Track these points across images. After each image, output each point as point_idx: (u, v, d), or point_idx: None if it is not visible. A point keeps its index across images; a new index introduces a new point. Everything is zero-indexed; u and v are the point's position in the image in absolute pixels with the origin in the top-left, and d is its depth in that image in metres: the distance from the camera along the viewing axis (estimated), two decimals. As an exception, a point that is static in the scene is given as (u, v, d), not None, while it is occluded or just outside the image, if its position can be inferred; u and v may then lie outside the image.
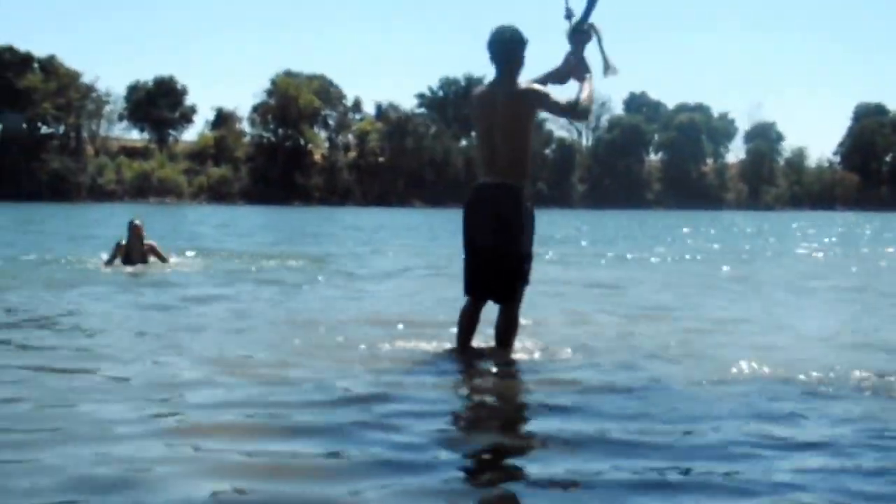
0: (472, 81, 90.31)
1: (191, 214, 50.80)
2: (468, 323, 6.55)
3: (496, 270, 6.39)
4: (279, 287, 11.23)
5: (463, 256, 6.61)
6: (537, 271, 6.80)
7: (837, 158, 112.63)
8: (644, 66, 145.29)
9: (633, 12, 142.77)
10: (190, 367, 5.98)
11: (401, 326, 7.67)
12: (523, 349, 6.59)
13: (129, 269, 12.99)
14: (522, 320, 6.70)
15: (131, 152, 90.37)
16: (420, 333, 7.22)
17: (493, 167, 6.32)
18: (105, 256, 13.59)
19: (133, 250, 13.28)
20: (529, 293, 6.66)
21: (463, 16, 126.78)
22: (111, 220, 30.54)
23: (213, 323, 7.96)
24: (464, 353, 6.48)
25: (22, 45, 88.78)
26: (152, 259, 13.48)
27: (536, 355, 6.52)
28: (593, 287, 11.89)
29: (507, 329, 6.50)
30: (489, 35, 6.37)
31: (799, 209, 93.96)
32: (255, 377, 5.69)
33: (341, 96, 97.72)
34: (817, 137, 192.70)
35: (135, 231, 13.33)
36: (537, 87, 6.37)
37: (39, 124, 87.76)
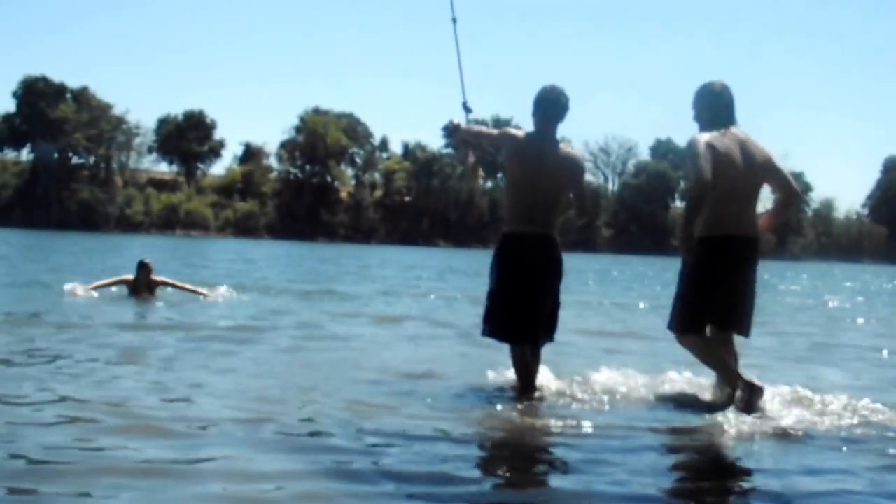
0: (499, 123, 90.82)
1: (217, 248, 51.12)
2: (528, 366, 6.75)
3: (545, 317, 6.71)
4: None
5: (492, 303, 6.74)
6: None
7: (866, 211, 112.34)
8: (670, 113, 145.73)
9: (659, 58, 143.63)
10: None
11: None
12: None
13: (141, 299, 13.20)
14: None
15: (160, 184, 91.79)
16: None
17: (537, 217, 6.60)
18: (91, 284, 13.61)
19: (140, 285, 13.35)
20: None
21: (489, 60, 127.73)
22: (129, 252, 30.98)
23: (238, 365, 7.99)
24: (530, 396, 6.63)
25: (56, 76, 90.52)
26: (169, 290, 13.66)
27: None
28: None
29: (537, 369, 6.82)
30: (547, 92, 6.73)
31: (826, 260, 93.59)
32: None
33: (369, 135, 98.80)
34: (846, 189, 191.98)
35: (144, 270, 13.45)
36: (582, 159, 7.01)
37: (71, 154, 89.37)
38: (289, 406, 5.91)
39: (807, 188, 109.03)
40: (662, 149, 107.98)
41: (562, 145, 6.76)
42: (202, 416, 5.45)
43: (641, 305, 17.43)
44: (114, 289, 13.56)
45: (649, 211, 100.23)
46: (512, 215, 6.72)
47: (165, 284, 13.62)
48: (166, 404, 5.82)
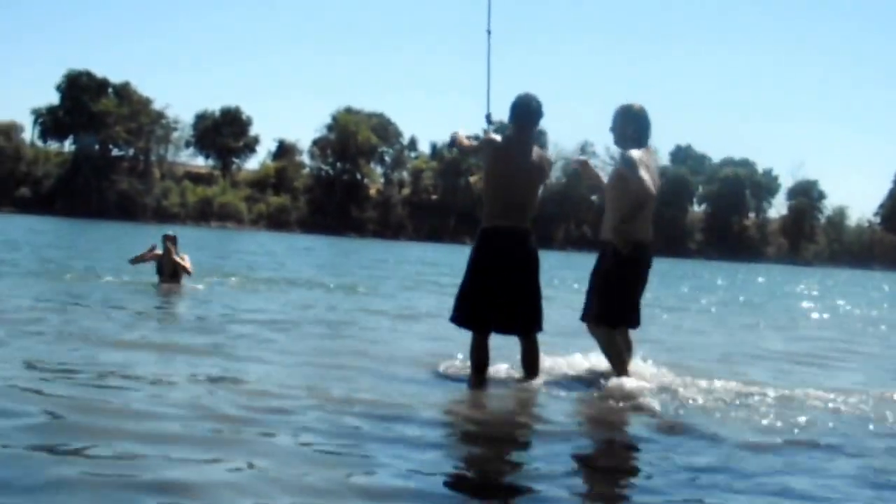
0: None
1: (251, 240, 52.53)
2: (486, 356, 7.14)
3: (530, 306, 7.14)
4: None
5: (464, 293, 7.13)
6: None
7: (878, 219, 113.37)
8: (690, 120, 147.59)
9: (681, 67, 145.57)
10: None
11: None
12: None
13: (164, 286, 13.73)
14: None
15: (195, 178, 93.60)
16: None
17: (513, 213, 7.06)
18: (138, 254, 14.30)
19: (166, 262, 13.90)
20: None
21: (514, 67, 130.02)
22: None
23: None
24: (481, 385, 6.96)
25: (99, 72, 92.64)
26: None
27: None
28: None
29: (537, 356, 7.23)
30: (521, 99, 7.16)
31: (837, 266, 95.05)
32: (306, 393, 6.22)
33: (398, 134, 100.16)
34: (858, 198, 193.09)
35: (167, 244, 13.86)
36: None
37: (111, 146, 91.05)
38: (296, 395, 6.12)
39: (820, 196, 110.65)
40: (682, 155, 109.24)
41: (535, 147, 7.19)
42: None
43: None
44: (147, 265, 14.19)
45: (668, 215, 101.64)
46: (490, 212, 7.09)
47: (182, 266, 13.98)
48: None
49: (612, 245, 7.12)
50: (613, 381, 7.03)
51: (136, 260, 14.18)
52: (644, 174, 6.93)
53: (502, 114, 7.41)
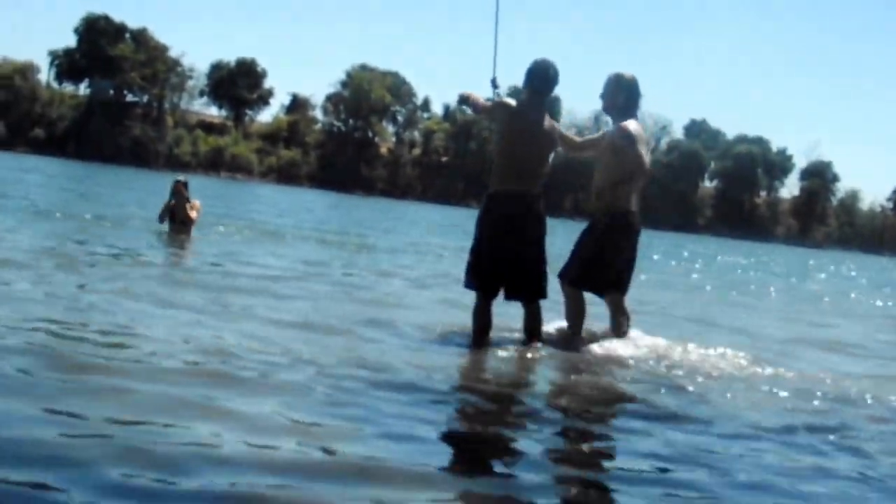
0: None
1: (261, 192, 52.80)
2: (489, 321, 7.12)
3: (535, 272, 7.09)
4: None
5: (473, 257, 7.11)
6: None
7: (890, 204, 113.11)
8: (707, 94, 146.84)
9: (699, 41, 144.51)
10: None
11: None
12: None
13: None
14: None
15: (208, 127, 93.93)
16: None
17: (530, 178, 7.05)
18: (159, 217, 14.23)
19: (178, 208, 13.94)
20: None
21: (530, 34, 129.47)
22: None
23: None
24: (483, 348, 6.92)
25: (117, 16, 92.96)
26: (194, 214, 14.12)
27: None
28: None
29: (540, 322, 7.21)
30: (538, 65, 7.11)
31: (847, 250, 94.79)
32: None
33: (412, 94, 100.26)
34: (872, 182, 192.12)
35: (178, 189, 13.92)
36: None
37: (126, 92, 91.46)
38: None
39: (834, 178, 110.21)
40: (696, 129, 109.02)
41: (546, 117, 7.14)
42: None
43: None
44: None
45: (678, 188, 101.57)
46: (500, 176, 7.05)
47: (192, 208, 14.04)
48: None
49: (602, 213, 7.30)
50: (607, 345, 7.21)
51: (163, 216, 14.13)
52: (642, 149, 7.14)
53: (509, 80, 7.46)
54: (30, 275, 8.17)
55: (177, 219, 14.01)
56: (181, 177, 14.51)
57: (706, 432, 5.07)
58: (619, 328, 7.46)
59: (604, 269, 7.39)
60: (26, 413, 4.09)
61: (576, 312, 7.44)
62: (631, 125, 7.30)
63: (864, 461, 4.80)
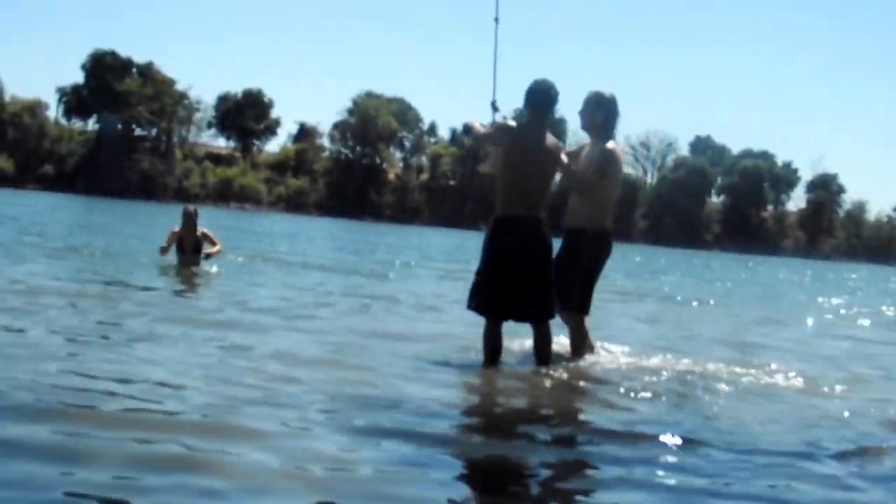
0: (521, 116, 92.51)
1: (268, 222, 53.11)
2: (499, 343, 7.20)
3: (542, 294, 7.13)
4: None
5: (479, 280, 7.16)
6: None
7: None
8: (710, 110, 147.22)
9: (703, 58, 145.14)
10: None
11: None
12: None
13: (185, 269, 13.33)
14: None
15: (216, 159, 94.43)
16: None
17: (534, 200, 7.06)
18: (163, 244, 13.60)
19: (186, 238, 13.40)
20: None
21: (539, 53, 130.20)
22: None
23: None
24: (494, 371, 7.05)
25: (124, 52, 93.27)
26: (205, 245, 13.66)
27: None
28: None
29: (550, 345, 7.29)
30: (538, 85, 7.16)
31: (855, 261, 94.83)
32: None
33: (418, 119, 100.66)
34: (878, 193, 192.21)
35: (188, 218, 13.38)
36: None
37: (134, 126, 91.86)
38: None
39: (840, 189, 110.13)
40: (702, 145, 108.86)
41: (549, 135, 7.15)
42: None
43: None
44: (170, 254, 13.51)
45: (686, 205, 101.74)
46: (504, 200, 7.05)
47: (207, 240, 13.56)
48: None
49: (587, 233, 7.42)
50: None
51: (165, 249, 13.42)
52: (621, 173, 7.49)
53: (511, 102, 7.55)
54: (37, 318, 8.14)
55: (186, 248, 13.42)
56: (191, 207, 13.96)
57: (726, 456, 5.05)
58: (587, 347, 7.66)
59: (592, 289, 7.63)
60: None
61: (581, 337, 7.62)
62: (615, 147, 7.57)
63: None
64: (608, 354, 7.94)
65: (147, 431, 4.63)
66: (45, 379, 5.50)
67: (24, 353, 6.30)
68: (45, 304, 8.83)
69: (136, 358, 6.51)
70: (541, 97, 7.14)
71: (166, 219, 17.24)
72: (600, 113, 7.55)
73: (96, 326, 7.84)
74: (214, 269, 13.81)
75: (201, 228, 13.53)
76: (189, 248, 13.42)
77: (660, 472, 4.66)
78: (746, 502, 4.33)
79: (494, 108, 7.45)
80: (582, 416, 6.02)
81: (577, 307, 7.53)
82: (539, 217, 7.06)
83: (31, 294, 9.44)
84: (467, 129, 7.45)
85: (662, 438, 5.19)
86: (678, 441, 5.16)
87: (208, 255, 13.58)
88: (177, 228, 13.44)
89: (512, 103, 7.56)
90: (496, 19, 7.59)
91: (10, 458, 4.06)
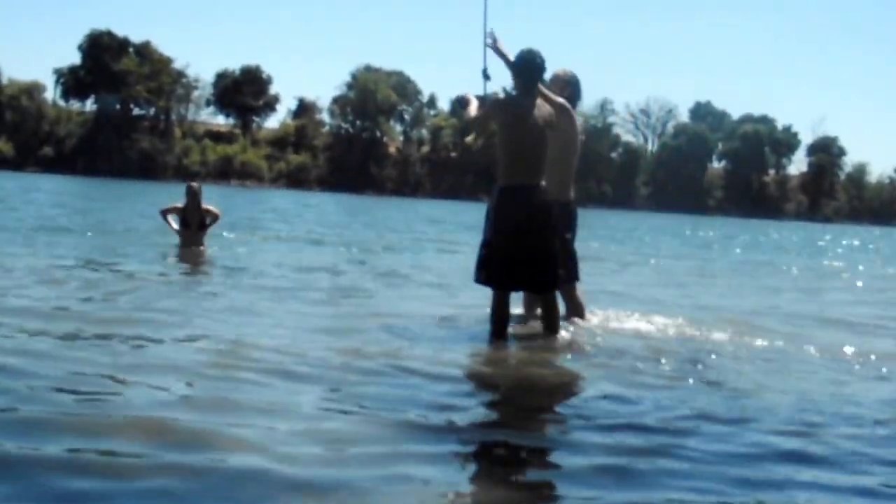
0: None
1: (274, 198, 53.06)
2: (507, 313, 7.24)
3: (548, 263, 7.13)
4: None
5: (485, 252, 7.16)
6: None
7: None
8: (710, 76, 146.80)
9: (700, 24, 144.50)
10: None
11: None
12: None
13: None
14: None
15: (216, 136, 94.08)
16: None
17: (535, 169, 7.10)
18: (171, 222, 13.64)
19: (190, 212, 13.34)
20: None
21: (534, 20, 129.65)
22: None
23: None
24: (502, 341, 7.12)
25: (120, 31, 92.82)
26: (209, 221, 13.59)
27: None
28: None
29: (557, 314, 7.37)
30: (523, 55, 7.23)
31: (858, 223, 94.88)
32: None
33: (417, 92, 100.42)
34: (879, 154, 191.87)
35: (192, 195, 13.28)
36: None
37: (132, 106, 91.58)
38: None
39: (840, 152, 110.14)
40: (702, 111, 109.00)
41: (539, 100, 7.21)
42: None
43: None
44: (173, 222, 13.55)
45: (687, 171, 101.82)
46: (506, 170, 7.10)
47: (209, 213, 13.48)
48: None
49: (561, 203, 7.52)
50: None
51: (166, 211, 13.62)
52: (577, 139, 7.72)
53: (503, 72, 7.51)
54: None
55: (191, 224, 13.39)
56: (194, 183, 13.80)
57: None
58: (581, 313, 8.02)
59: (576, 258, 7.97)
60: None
61: (577, 305, 7.98)
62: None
63: None
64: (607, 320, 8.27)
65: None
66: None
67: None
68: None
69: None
70: (529, 66, 7.22)
71: (167, 198, 17.10)
72: (568, 89, 7.93)
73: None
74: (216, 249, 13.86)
75: (205, 204, 13.48)
76: (194, 224, 13.38)
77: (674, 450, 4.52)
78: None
79: (486, 77, 7.48)
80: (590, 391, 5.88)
81: (575, 276, 7.83)
82: (540, 185, 7.09)
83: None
84: (463, 103, 7.48)
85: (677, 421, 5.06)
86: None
87: (211, 224, 13.64)
88: (180, 204, 13.45)
89: (504, 73, 7.50)
90: None
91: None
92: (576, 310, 7.94)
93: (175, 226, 13.52)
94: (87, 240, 15.18)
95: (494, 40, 7.42)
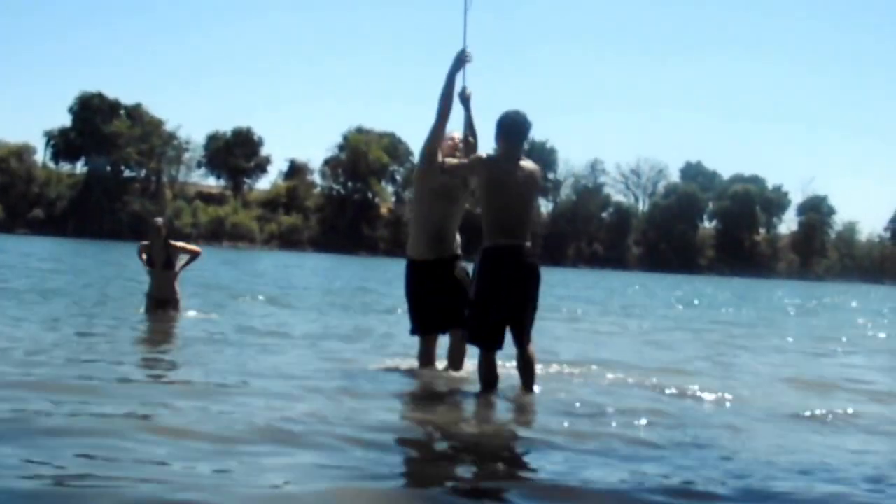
0: (533, 147, 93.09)
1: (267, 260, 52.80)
2: (495, 373, 7.23)
3: (529, 319, 7.22)
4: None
5: (472, 313, 7.15)
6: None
7: (888, 234, 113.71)
8: (700, 136, 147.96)
9: (691, 84, 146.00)
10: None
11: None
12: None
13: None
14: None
15: (207, 198, 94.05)
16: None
17: (519, 229, 7.09)
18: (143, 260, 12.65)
19: (154, 250, 12.38)
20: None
21: (533, 85, 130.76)
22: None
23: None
24: (490, 399, 7.07)
25: (110, 93, 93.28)
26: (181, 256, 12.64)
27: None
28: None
29: (534, 367, 7.34)
30: (507, 116, 7.19)
31: (849, 282, 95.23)
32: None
33: (409, 153, 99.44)
34: (869, 213, 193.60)
35: (156, 231, 12.43)
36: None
37: (123, 168, 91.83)
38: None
39: (830, 211, 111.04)
40: (692, 171, 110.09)
41: (522, 161, 7.21)
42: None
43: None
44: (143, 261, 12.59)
45: (678, 231, 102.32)
46: (490, 231, 7.08)
47: (183, 250, 12.57)
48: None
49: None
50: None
51: (141, 249, 12.53)
52: None
53: (486, 112, 7.46)
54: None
55: (156, 262, 12.38)
56: (159, 219, 13.00)
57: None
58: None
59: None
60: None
61: (461, 353, 7.92)
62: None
63: None
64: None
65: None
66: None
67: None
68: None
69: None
70: (513, 129, 7.21)
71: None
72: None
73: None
74: (192, 313, 12.83)
75: (174, 242, 12.52)
76: (159, 262, 12.37)
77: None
78: None
79: (463, 100, 7.59)
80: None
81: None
82: (523, 245, 7.10)
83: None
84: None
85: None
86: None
87: (186, 264, 12.62)
88: (145, 243, 12.57)
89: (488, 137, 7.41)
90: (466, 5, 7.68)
91: None
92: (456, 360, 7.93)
93: (144, 264, 12.60)
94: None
95: (468, 97, 7.61)
